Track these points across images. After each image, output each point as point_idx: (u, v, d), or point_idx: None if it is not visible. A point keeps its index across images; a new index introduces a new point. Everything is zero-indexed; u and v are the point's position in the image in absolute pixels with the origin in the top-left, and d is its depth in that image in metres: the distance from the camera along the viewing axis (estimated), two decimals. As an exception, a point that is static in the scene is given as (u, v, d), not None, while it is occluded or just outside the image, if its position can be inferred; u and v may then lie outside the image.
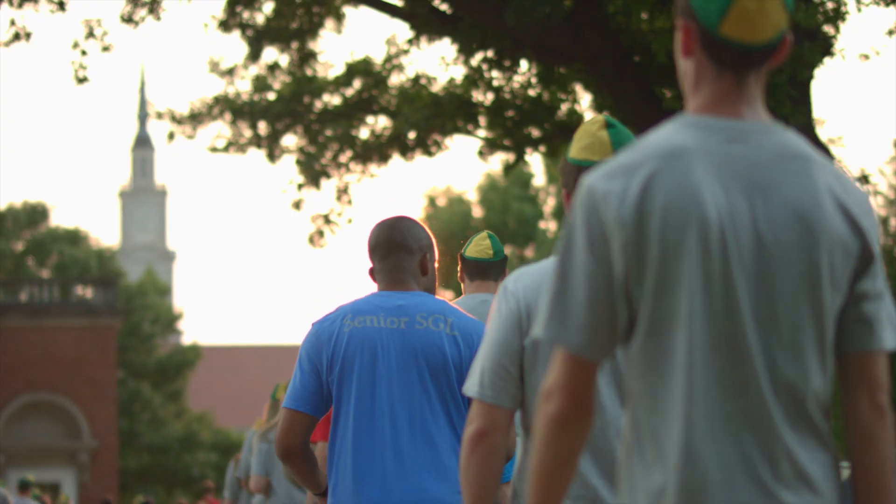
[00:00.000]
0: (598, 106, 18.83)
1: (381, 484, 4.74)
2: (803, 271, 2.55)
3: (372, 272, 4.97)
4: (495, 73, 18.91)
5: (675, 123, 2.59)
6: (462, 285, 6.28)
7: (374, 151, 20.46)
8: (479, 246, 6.21)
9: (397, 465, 4.74)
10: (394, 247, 4.92)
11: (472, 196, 51.37)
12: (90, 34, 17.79)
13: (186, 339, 74.27)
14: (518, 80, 19.05)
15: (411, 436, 4.75)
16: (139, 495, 48.97)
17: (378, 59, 21.08)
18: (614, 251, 2.51)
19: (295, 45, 20.97)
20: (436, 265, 5.06)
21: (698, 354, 2.50)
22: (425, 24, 17.59)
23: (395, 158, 20.59)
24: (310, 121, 20.78)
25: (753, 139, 2.59)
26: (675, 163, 2.53)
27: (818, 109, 76.98)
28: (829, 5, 14.94)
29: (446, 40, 19.13)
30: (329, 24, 20.95)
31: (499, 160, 21.24)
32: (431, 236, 5.08)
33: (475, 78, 19.06)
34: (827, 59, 15.53)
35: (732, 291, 2.52)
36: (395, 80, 20.91)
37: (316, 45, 21.12)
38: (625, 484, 2.56)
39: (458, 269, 6.25)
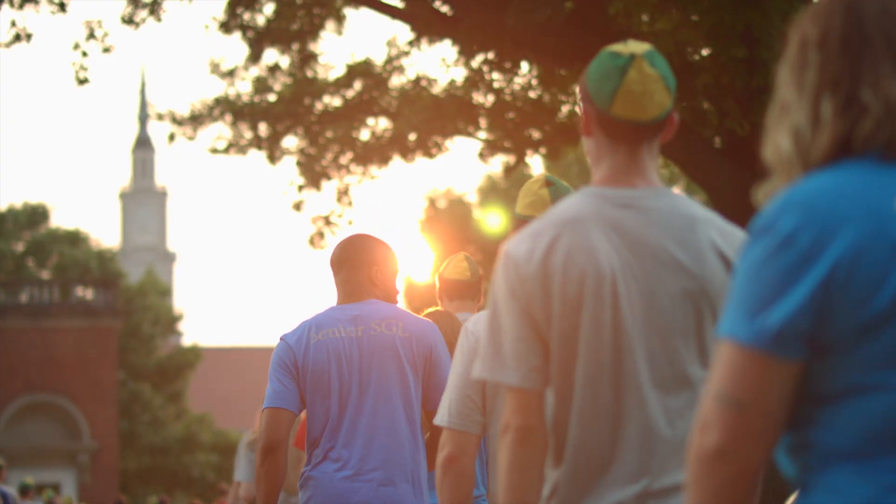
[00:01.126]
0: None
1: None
2: (689, 315, 3.02)
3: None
4: (496, 75, 18.91)
5: (578, 195, 3.07)
6: (440, 304, 6.35)
7: (375, 153, 20.45)
8: (457, 268, 6.31)
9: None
10: (344, 263, 5.49)
11: (472, 198, 51.36)
12: (91, 35, 17.78)
13: (187, 341, 74.35)
14: (519, 81, 19.05)
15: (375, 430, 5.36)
16: (153, 496, 49.04)
17: (379, 60, 21.09)
18: (530, 303, 2.99)
19: (295, 46, 20.96)
20: (392, 275, 5.58)
21: (587, 390, 2.99)
22: (426, 25, 17.58)
23: (396, 160, 20.58)
24: (310, 122, 20.78)
25: (644, 204, 3.06)
26: (574, 228, 3.00)
27: (819, 111, 76.97)
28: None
29: (447, 42, 19.13)
30: (330, 25, 20.95)
31: (499, 162, 21.25)
32: (387, 252, 5.57)
33: (476, 79, 19.05)
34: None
35: (622, 336, 2.98)
36: (396, 81, 20.92)
37: (316, 47, 21.12)
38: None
39: (437, 289, 6.35)
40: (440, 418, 4.06)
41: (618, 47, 3.12)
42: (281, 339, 5.44)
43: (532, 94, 19.08)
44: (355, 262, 5.46)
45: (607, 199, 3.04)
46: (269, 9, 20.37)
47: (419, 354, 5.37)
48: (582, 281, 2.97)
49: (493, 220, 45.30)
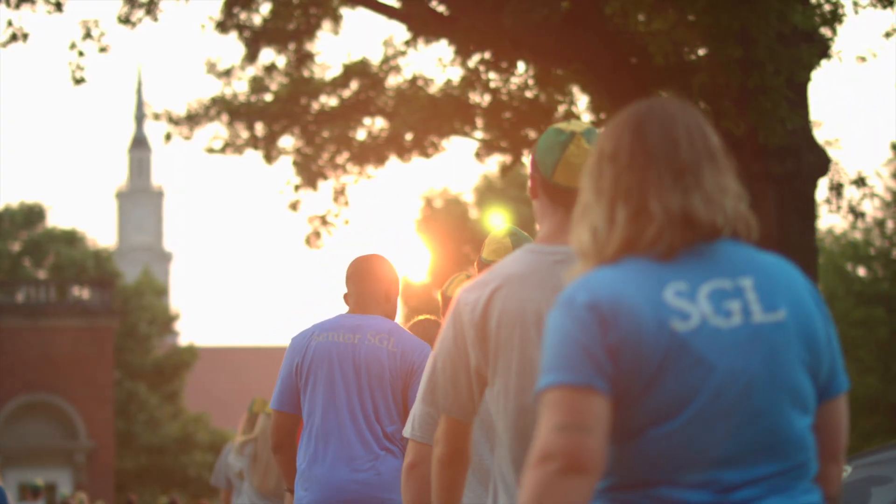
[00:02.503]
0: (594, 107, 18.82)
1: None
2: None
3: (346, 296, 6.22)
4: (492, 75, 18.91)
5: (521, 251, 3.56)
6: (442, 320, 5.82)
7: (371, 153, 20.44)
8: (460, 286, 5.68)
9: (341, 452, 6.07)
10: (362, 277, 6.17)
11: (468, 198, 51.36)
12: (87, 35, 17.78)
13: (183, 340, 74.32)
14: (515, 81, 19.05)
15: (355, 429, 6.05)
16: (162, 497, 49.05)
17: (375, 60, 21.07)
18: (469, 345, 3.49)
19: (292, 46, 20.95)
20: (397, 296, 6.25)
21: (518, 422, 3.44)
22: (422, 25, 17.58)
23: (392, 160, 20.57)
24: (307, 122, 20.76)
25: (574, 259, 3.44)
26: (513, 281, 3.48)
27: (815, 111, 77.02)
28: (827, 7, 14.95)
29: (443, 42, 19.13)
30: (326, 25, 20.94)
31: (496, 162, 21.22)
32: (396, 274, 6.24)
33: (472, 79, 19.05)
34: (824, 62, 15.54)
35: None
36: (393, 81, 20.90)
37: (313, 47, 21.10)
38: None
39: (440, 305, 5.65)
40: (406, 430, 4.50)
41: (562, 125, 3.66)
42: (291, 339, 6.24)
43: (528, 94, 19.08)
44: (372, 278, 6.17)
45: (545, 256, 3.54)
46: (265, 8, 20.38)
47: (402, 369, 6.02)
48: (513, 325, 3.45)
49: (495, 220, 45.30)
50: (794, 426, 2.66)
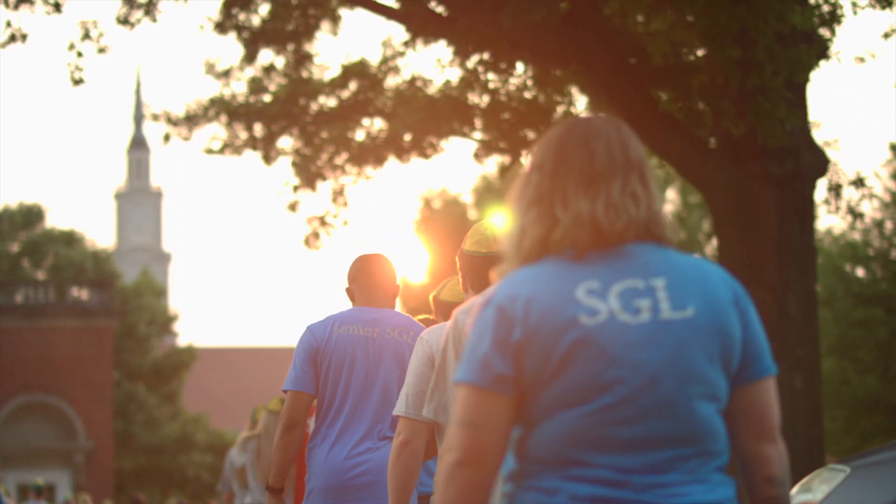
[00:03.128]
0: (593, 108, 18.82)
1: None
2: None
3: (349, 291, 6.51)
4: (491, 76, 18.90)
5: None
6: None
7: (370, 153, 20.43)
8: (452, 291, 5.89)
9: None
10: (370, 272, 6.49)
11: (467, 198, 51.37)
12: (86, 35, 17.77)
13: (182, 341, 74.32)
14: (514, 82, 19.04)
15: (371, 421, 6.37)
16: (172, 498, 49.04)
17: (374, 61, 21.07)
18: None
19: (291, 46, 20.94)
20: (396, 295, 6.58)
21: None
22: (421, 26, 17.58)
23: (391, 160, 20.56)
24: (305, 122, 20.76)
25: None
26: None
27: (814, 112, 77.00)
28: (825, 8, 14.94)
29: (442, 42, 19.12)
30: (325, 25, 20.93)
31: (494, 162, 21.21)
32: (396, 273, 6.55)
33: (471, 80, 19.05)
34: (823, 62, 15.54)
35: None
36: (391, 82, 20.90)
37: (312, 47, 21.09)
38: None
39: (433, 310, 5.99)
40: (398, 408, 4.86)
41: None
42: (307, 328, 6.45)
43: (527, 95, 19.08)
44: (380, 274, 6.48)
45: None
46: (264, 9, 20.36)
47: None
48: None
49: (497, 219, 45.28)
50: (699, 414, 2.91)
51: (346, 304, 6.64)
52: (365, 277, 6.48)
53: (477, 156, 20.34)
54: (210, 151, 21.67)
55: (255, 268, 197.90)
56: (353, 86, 20.78)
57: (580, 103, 19.65)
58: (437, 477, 2.91)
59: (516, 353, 2.87)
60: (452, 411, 3.78)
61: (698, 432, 2.91)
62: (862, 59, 16.82)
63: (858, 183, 17.11)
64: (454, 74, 20.12)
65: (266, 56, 21.24)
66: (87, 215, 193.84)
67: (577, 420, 2.86)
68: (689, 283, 2.96)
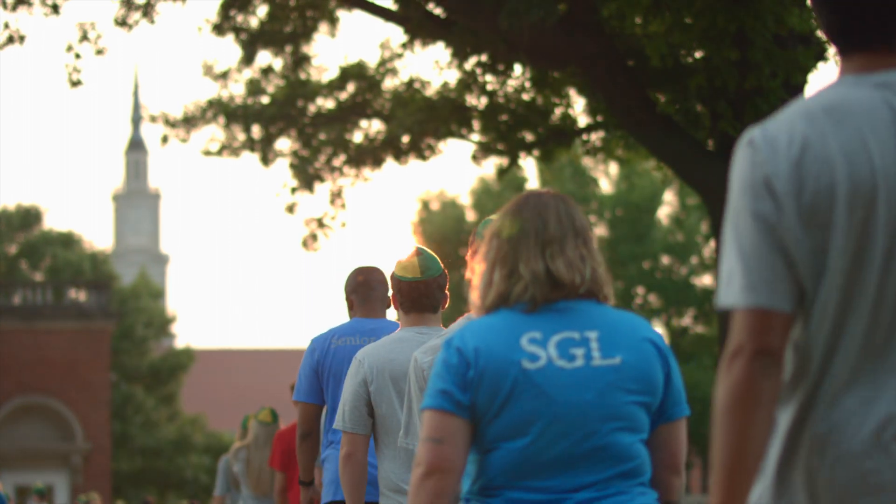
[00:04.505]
0: (591, 110, 18.82)
1: None
2: None
3: (349, 301, 6.75)
4: (489, 77, 18.90)
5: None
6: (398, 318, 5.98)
7: (368, 155, 20.43)
8: (407, 264, 5.75)
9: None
10: (369, 285, 6.74)
11: (465, 200, 51.36)
12: (84, 37, 17.76)
13: (179, 343, 74.21)
14: (512, 84, 19.04)
15: None
16: (184, 501, 48.99)
17: (372, 62, 21.07)
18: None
19: (289, 48, 20.94)
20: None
21: None
22: (419, 27, 17.58)
23: (389, 162, 20.56)
24: (303, 124, 20.75)
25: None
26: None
27: (812, 114, 76.69)
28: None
29: (440, 44, 19.12)
30: (323, 27, 20.92)
31: (492, 164, 21.23)
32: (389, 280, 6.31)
33: (469, 82, 19.05)
34: (821, 64, 15.55)
35: None
36: (389, 83, 20.90)
37: (310, 49, 21.09)
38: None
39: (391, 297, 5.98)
40: (337, 423, 5.57)
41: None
42: (311, 341, 6.75)
43: (525, 97, 19.08)
44: (379, 286, 6.75)
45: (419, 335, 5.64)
46: (262, 11, 20.35)
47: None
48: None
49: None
50: (622, 443, 3.45)
51: (343, 306, 6.87)
52: (365, 290, 6.78)
53: (475, 157, 20.34)
54: (208, 153, 21.67)
55: (252, 270, 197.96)
56: (351, 87, 20.78)
57: (578, 105, 19.67)
58: (410, 486, 3.44)
59: (470, 388, 3.42)
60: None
61: (621, 458, 3.46)
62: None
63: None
64: (452, 76, 20.17)
65: (264, 58, 21.25)
66: (84, 217, 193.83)
67: (518, 450, 3.41)
68: (619, 335, 3.49)
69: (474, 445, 3.47)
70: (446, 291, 5.68)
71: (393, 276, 5.63)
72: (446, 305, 5.69)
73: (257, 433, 11.59)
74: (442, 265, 5.67)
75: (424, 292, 5.58)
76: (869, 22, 2.53)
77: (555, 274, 3.47)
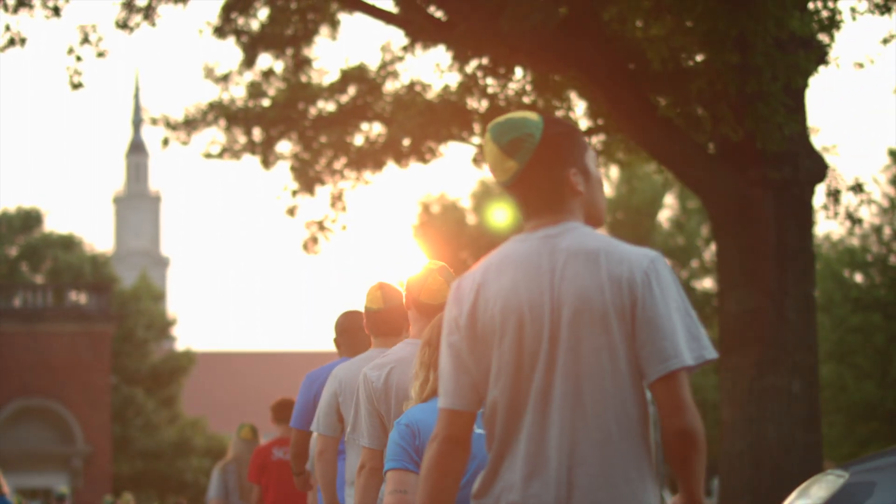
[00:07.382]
0: (592, 113, 18.83)
1: None
2: None
3: (337, 343, 7.64)
4: (490, 80, 18.91)
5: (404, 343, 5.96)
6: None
7: (369, 158, 20.43)
8: (371, 296, 6.72)
9: None
10: (358, 332, 7.50)
11: (466, 203, 51.36)
12: (85, 40, 17.77)
13: (180, 345, 74.31)
14: (513, 87, 19.05)
15: None
16: (183, 501, 49.00)
17: (373, 65, 21.08)
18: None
19: (290, 51, 20.95)
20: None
21: None
22: (420, 30, 17.58)
23: (390, 165, 20.56)
24: (304, 127, 20.75)
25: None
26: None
27: (813, 118, 76.95)
28: (824, 14, 14.95)
29: (441, 47, 19.12)
30: (324, 30, 20.94)
31: (493, 167, 21.14)
32: (401, 296, 6.85)
33: (470, 85, 19.05)
34: (822, 68, 15.55)
35: None
36: (390, 86, 20.90)
37: (311, 52, 21.10)
38: None
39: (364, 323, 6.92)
40: (314, 426, 6.70)
41: (427, 265, 5.75)
42: (334, 370, 7.04)
43: (526, 100, 19.08)
44: (363, 331, 7.28)
45: (412, 346, 5.85)
46: (263, 14, 20.37)
47: None
48: None
49: (499, 215, 45.28)
50: None
51: (342, 307, 7.05)
52: (351, 336, 7.56)
53: (476, 161, 20.35)
54: (209, 156, 21.67)
55: (253, 272, 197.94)
56: (351, 90, 20.78)
57: (579, 108, 19.67)
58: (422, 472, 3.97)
59: (419, 451, 4.60)
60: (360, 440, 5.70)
61: None
62: (861, 65, 16.82)
63: (857, 188, 17.12)
64: (453, 79, 20.15)
65: (265, 60, 21.26)
66: (85, 219, 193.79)
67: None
68: None
69: None
70: (408, 318, 6.31)
71: (365, 307, 6.53)
72: (409, 328, 6.24)
73: (240, 450, 12.38)
74: (402, 296, 6.40)
75: (386, 319, 6.51)
76: (540, 203, 3.53)
77: None
